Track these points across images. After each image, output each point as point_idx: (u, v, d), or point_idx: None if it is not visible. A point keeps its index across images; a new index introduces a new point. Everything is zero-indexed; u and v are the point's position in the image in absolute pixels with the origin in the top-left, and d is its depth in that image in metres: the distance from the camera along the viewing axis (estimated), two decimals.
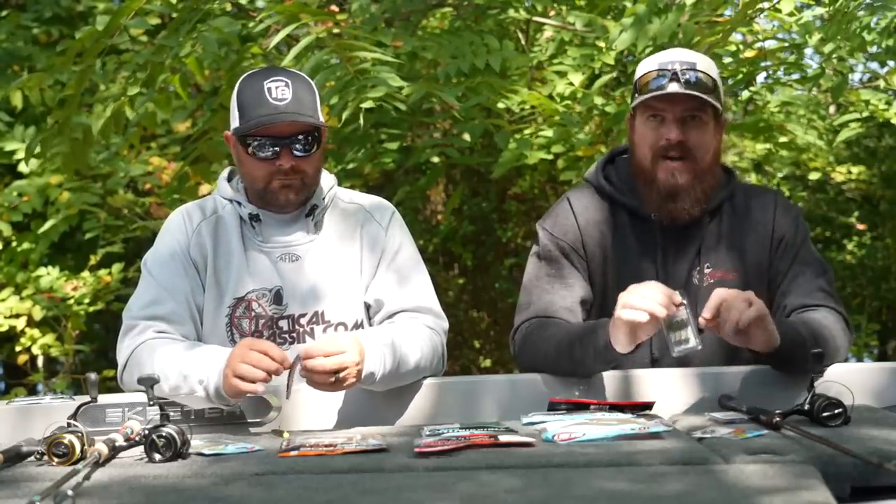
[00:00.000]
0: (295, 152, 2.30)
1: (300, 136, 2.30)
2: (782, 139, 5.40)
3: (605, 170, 2.56)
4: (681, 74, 2.35)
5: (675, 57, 2.41)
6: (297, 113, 2.28)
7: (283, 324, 2.36)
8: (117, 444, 1.78)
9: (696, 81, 2.35)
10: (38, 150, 4.37)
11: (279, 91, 2.29)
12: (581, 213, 2.49)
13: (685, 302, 2.10)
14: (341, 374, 2.05)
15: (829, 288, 2.42)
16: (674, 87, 2.35)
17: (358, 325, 2.39)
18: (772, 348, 2.18)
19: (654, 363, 2.37)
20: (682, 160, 2.37)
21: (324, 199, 2.42)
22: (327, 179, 2.46)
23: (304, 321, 2.36)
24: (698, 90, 2.35)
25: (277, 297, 2.36)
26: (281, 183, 2.31)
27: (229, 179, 2.45)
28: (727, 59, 4.24)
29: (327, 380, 2.06)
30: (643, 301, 2.09)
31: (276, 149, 2.29)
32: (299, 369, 2.07)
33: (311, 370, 2.05)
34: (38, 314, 5.80)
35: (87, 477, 1.60)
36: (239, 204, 2.38)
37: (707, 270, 2.44)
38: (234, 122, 2.34)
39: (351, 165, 5.17)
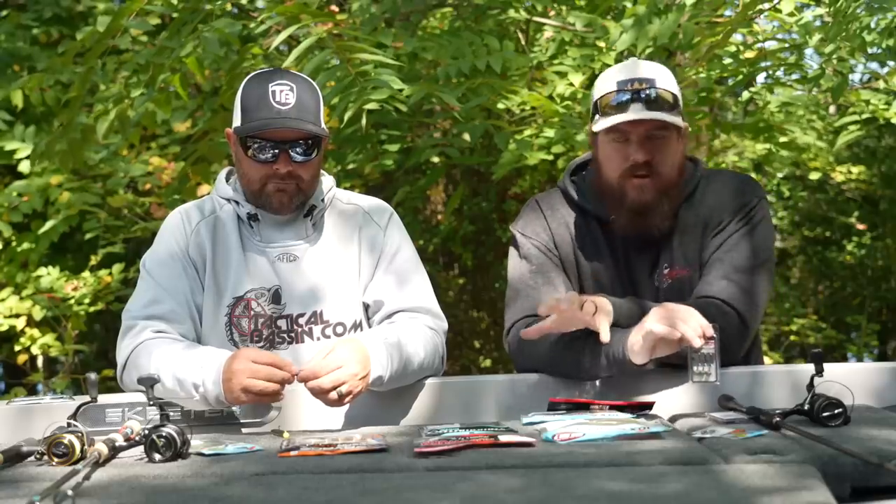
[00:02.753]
0: (293, 157, 2.30)
1: (300, 142, 2.30)
2: (782, 139, 5.40)
3: (573, 176, 2.58)
4: (641, 94, 2.34)
5: (634, 74, 2.38)
6: (298, 119, 2.28)
7: (282, 323, 2.36)
8: (117, 444, 1.78)
9: (656, 98, 2.35)
10: (42, 151, 4.37)
11: (283, 95, 2.29)
12: (550, 216, 2.53)
13: (716, 336, 2.10)
14: (343, 389, 2.05)
15: (744, 281, 2.36)
16: (636, 109, 2.33)
17: (356, 325, 2.40)
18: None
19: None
20: (647, 178, 2.38)
21: (322, 199, 2.42)
22: (326, 180, 2.46)
23: (302, 321, 2.36)
24: (659, 108, 2.34)
25: (276, 297, 2.36)
26: (276, 187, 2.32)
27: (227, 179, 2.46)
28: (727, 60, 4.24)
29: (330, 398, 2.07)
30: (679, 323, 2.10)
31: (275, 153, 2.29)
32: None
33: (311, 391, 2.07)
34: (38, 314, 5.80)
35: (87, 477, 1.60)
36: (237, 203, 2.39)
37: (665, 271, 2.45)
38: (236, 121, 2.35)
39: (351, 166, 5.18)
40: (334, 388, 2.05)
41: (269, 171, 2.31)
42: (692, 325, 2.10)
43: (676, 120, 2.37)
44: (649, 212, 2.40)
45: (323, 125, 2.35)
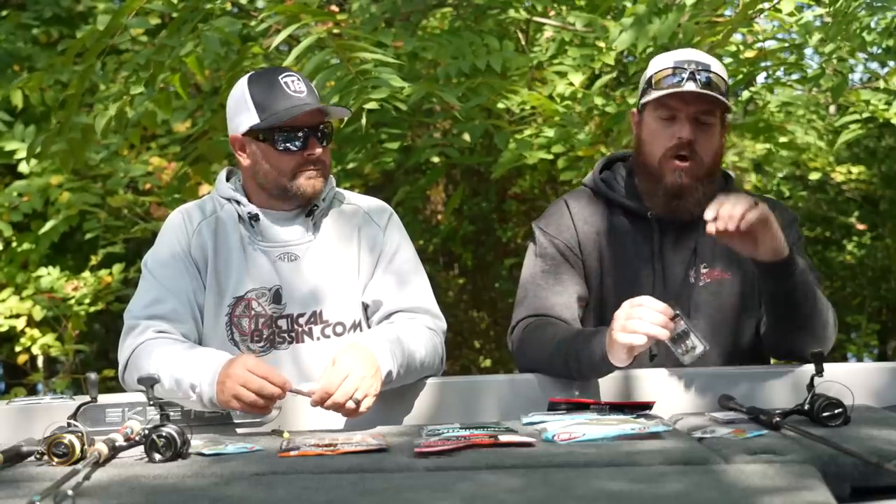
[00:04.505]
0: (320, 143, 2.34)
1: (320, 128, 2.34)
2: (782, 139, 5.40)
3: (602, 173, 2.57)
4: (697, 75, 2.37)
5: (691, 57, 2.42)
6: (318, 103, 2.32)
7: (283, 323, 2.36)
8: (117, 444, 1.78)
9: (709, 82, 2.37)
10: (38, 150, 4.36)
11: (295, 84, 2.33)
12: (577, 214, 2.51)
13: (679, 312, 2.09)
14: (357, 395, 2.03)
15: (819, 286, 2.41)
16: (690, 87, 2.36)
17: (356, 326, 2.39)
18: (779, 257, 2.23)
19: (653, 359, 2.37)
20: (688, 161, 2.39)
21: (323, 199, 2.42)
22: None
23: (302, 321, 2.36)
24: (712, 91, 2.37)
25: (276, 297, 2.36)
26: (307, 175, 2.33)
27: (227, 179, 2.46)
28: (727, 60, 4.23)
29: (348, 409, 2.04)
30: (640, 324, 2.07)
31: (305, 138, 2.32)
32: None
33: (329, 408, 2.04)
34: (38, 314, 5.80)
35: (87, 477, 1.60)
36: (238, 203, 2.39)
37: (703, 270, 2.45)
38: (251, 120, 2.33)
39: (351, 165, 5.18)
40: (348, 398, 2.02)
41: (300, 158, 2.33)
42: (651, 319, 2.07)
43: (727, 103, 2.40)
44: (685, 195, 2.41)
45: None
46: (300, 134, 2.31)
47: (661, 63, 2.44)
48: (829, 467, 1.57)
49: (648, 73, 2.46)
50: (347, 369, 2.05)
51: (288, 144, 2.32)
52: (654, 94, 2.39)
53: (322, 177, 2.36)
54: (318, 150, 2.32)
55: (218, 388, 2.07)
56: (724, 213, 2.15)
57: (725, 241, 2.23)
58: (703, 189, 2.41)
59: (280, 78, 2.33)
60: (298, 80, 2.34)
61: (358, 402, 2.04)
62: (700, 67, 2.38)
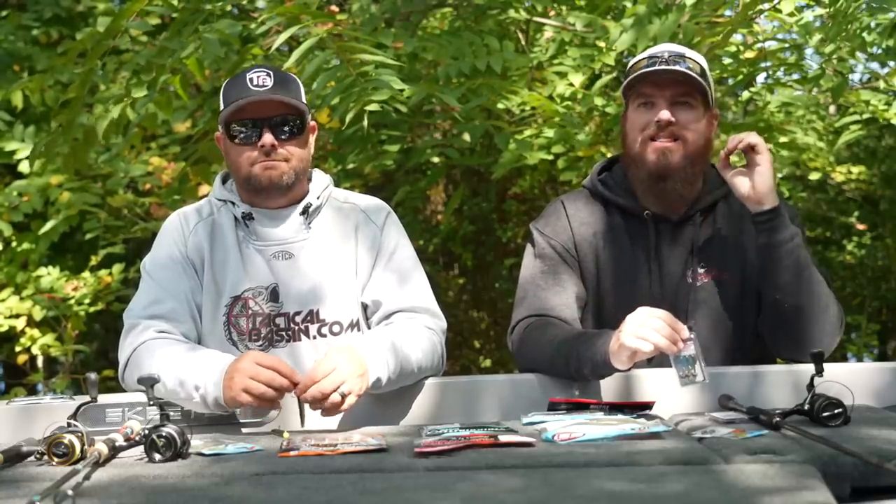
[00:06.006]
0: (278, 135, 2.33)
1: (284, 121, 2.33)
2: (782, 139, 5.40)
3: (601, 174, 2.58)
4: (671, 62, 2.38)
5: (665, 48, 2.46)
6: (275, 94, 2.31)
7: (280, 321, 2.36)
8: (117, 444, 1.78)
9: (687, 68, 2.38)
10: (41, 152, 4.37)
11: (260, 79, 2.33)
12: (574, 215, 2.52)
13: (693, 337, 2.08)
14: (344, 389, 2.03)
15: (827, 282, 2.41)
16: (663, 68, 2.37)
17: (354, 325, 2.39)
18: (769, 202, 2.33)
19: (651, 360, 2.37)
20: (672, 141, 2.39)
21: (318, 197, 2.42)
22: (322, 179, 2.47)
23: (298, 319, 2.36)
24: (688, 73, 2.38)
25: (274, 295, 2.36)
26: (263, 166, 2.33)
27: (224, 182, 2.47)
28: (727, 60, 4.24)
29: (332, 402, 2.03)
30: (652, 334, 2.06)
31: (258, 131, 2.32)
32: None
33: (312, 401, 2.04)
34: (38, 314, 5.80)
35: (87, 477, 1.60)
36: (233, 204, 2.40)
37: (701, 270, 2.45)
38: (220, 116, 2.39)
39: (351, 165, 5.18)
40: (334, 390, 2.03)
41: (254, 151, 2.33)
42: (665, 333, 2.06)
43: (702, 82, 2.39)
44: (669, 176, 2.40)
45: (304, 102, 2.38)
46: (253, 125, 2.33)
47: (637, 58, 2.46)
48: (829, 467, 1.57)
49: (627, 69, 2.48)
50: (335, 363, 2.05)
51: (239, 136, 2.34)
52: (629, 78, 2.41)
53: (284, 166, 2.34)
54: (269, 140, 2.31)
55: (226, 385, 2.06)
56: (731, 139, 2.33)
57: (726, 174, 2.37)
58: (691, 169, 2.41)
59: (248, 73, 2.35)
60: (267, 75, 2.34)
61: (344, 396, 2.03)
62: (674, 55, 2.40)
